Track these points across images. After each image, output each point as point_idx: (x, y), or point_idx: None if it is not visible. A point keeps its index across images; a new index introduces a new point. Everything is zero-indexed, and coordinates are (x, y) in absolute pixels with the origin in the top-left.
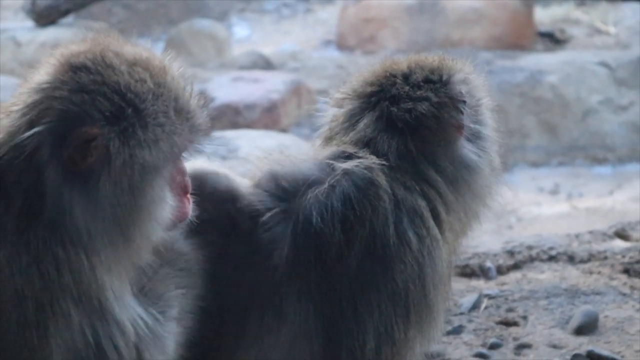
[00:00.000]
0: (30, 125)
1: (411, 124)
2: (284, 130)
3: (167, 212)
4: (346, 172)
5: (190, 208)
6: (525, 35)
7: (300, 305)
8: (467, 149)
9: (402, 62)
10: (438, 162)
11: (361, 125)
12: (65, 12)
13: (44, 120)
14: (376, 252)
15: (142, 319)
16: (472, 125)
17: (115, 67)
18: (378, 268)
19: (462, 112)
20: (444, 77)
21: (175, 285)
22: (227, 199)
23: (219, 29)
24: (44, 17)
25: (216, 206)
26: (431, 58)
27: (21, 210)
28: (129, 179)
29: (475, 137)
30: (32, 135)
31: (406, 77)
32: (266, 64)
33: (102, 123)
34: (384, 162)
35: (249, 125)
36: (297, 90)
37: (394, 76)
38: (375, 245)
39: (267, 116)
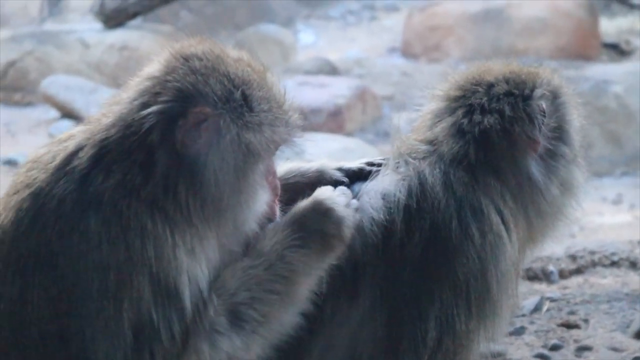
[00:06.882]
0: (144, 107)
1: (476, 137)
2: (348, 134)
3: (262, 202)
4: (411, 169)
5: (278, 211)
6: (591, 46)
7: (369, 290)
8: (535, 167)
9: (494, 70)
10: (500, 173)
11: (438, 128)
12: (133, 15)
13: (159, 99)
14: (438, 244)
15: (205, 305)
16: (548, 143)
17: (223, 58)
18: (440, 259)
19: (539, 129)
20: (526, 92)
21: (263, 289)
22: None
23: (285, 34)
24: (112, 19)
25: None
26: (525, 69)
27: (120, 183)
28: (234, 158)
29: (551, 156)
30: (148, 114)
31: (489, 87)
32: (332, 70)
33: (214, 102)
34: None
35: (314, 129)
36: (362, 96)
37: (479, 84)
38: (437, 237)
39: (332, 120)
